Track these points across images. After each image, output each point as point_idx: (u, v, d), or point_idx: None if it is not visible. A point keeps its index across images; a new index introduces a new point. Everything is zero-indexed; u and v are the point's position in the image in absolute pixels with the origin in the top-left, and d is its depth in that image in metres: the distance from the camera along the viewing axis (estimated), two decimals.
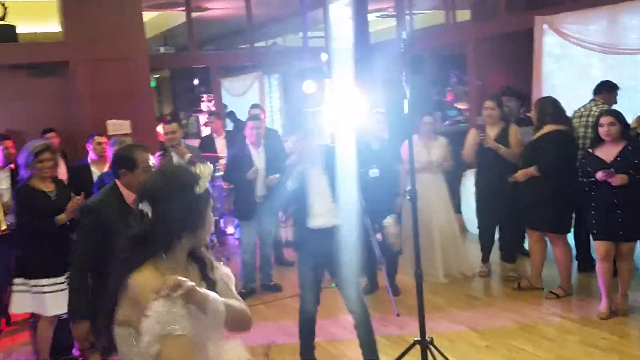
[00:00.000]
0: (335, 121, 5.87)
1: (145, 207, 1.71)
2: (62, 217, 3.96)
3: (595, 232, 4.54)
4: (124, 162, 2.97)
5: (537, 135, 4.97)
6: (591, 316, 4.55)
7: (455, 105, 11.19)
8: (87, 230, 2.93)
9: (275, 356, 4.35)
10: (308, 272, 3.94)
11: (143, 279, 1.66)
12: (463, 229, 6.72)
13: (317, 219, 3.86)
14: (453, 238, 5.74)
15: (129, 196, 2.87)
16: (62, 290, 3.96)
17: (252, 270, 5.78)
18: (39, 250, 3.98)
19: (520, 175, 4.96)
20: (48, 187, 4.05)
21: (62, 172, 6.32)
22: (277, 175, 5.04)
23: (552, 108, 4.94)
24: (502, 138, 5.30)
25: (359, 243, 5.21)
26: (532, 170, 4.88)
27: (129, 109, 6.98)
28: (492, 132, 5.35)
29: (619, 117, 4.44)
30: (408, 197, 3.20)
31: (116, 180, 3.01)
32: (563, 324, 4.48)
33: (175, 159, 5.52)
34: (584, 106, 5.47)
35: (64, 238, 4.08)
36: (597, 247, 4.54)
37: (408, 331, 4.52)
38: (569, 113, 5.81)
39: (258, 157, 5.58)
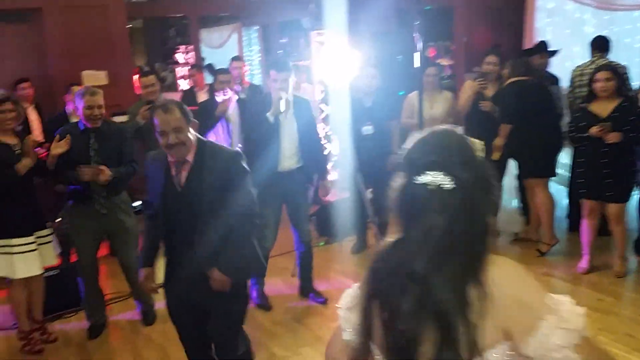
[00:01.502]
0: (326, 75, 5.70)
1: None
2: (24, 163, 3.69)
3: (581, 190, 4.51)
4: (151, 125, 2.78)
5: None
6: (584, 277, 4.56)
7: (438, 61, 11.01)
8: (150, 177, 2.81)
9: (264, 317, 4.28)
10: (273, 212, 4.18)
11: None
12: None
13: (285, 162, 4.14)
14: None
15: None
16: (31, 251, 3.79)
17: None
18: (5, 208, 3.72)
19: (498, 141, 4.87)
20: (11, 140, 3.79)
21: (36, 125, 6.05)
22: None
23: (523, 67, 4.86)
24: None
25: (351, 200, 5.16)
26: (502, 129, 4.82)
27: (105, 60, 6.63)
28: (490, 91, 5.19)
29: (616, 72, 4.35)
30: None
31: None
32: (556, 284, 4.47)
33: None
34: (584, 64, 5.34)
35: (31, 194, 3.88)
36: (583, 205, 4.53)
37: None
38: (561, 70, 5.72)
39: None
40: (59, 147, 3.83)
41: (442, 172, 1.28)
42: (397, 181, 1.35)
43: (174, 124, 2.53)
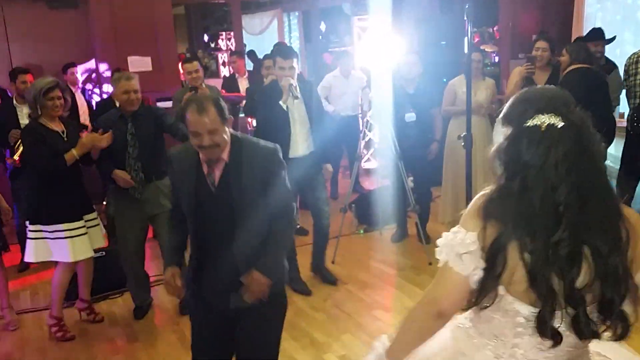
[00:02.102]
0: (368, 62, 5.65)
1: None
2: (72, 154, 3.74)
3: None
4: (182, 120, 2.55)
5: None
6: None
7: (481, 47, 10.80)
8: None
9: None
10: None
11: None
12: None
13: (299, 149, 4.21)
14: (488, 182, 5.56)
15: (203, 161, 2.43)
16: (82, 234, 3.87)
17: None
18: (55, 195, 3.79)
19: None
20: (58, 127, 3.84)
21: (83, 109, 6.20)
22: None
23: (584, 53, 4.67)
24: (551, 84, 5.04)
25: (392, 188, 5.12)
26: None
27: (150, 46, 6.74)
28: (540, 77, 5.05)
29: None
30: (462, 143, 3.00)
31: None
32: None
33: None
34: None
35: (79, 180, 3.93)
36: None
37: None
38: (612, 58, 5.52)
39: None
40: (102, 141, 3.86)
41: (551, 113, 1.37)
42: (501, 135, 1.46)
43: (209, 126, 2.26)
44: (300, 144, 4.24)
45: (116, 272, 4.53)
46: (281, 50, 4.34)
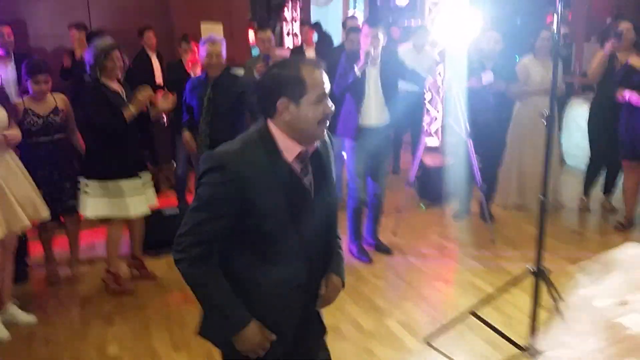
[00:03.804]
0: (442, 37, 5.59)
1: None
2: (132, 109, 3.75)
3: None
4: (286, 87, 1.72)
5: None
6: None
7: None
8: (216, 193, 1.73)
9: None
10: (363, 163, 4.30)
11: None
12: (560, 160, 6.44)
13: (373, 118, 4.24)
14: (554, 167, 5.49)
15: (286, 146, 1.76)
16: (137, 192, 3.94)
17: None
18: (115, 151, 3.84)
19: None
20: (118, 88, 3.91)
21: (158, 72, 6.40)
22: None
23: None
24: None
25: (459, 165, 5.12)
26: None
27: (222, 13, 6.86)
28: (623, 57, 4.92)
29: None
30: (545, 123, 2.98)
31: (268, 121, 1.79)
32: None
33: None
34: None
35: (136, 139, 3.98)
36: None
37: (505, 260, 4.47)
38: None
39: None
40: (166, 104, 3.97)
41: None
42: None
43: (328, 88, 1.78)
44: (374, 114, 4.24)
45: None
46: (369, 18, 4.43)
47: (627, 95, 4.67)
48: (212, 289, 1.79)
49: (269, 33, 5.41)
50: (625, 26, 4.94)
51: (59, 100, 4.09)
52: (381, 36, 4.14)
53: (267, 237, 1.76)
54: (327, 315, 2.08)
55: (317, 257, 1.88)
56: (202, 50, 4.06)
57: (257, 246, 1.78)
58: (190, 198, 5.13)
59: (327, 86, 1.76)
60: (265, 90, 1.76)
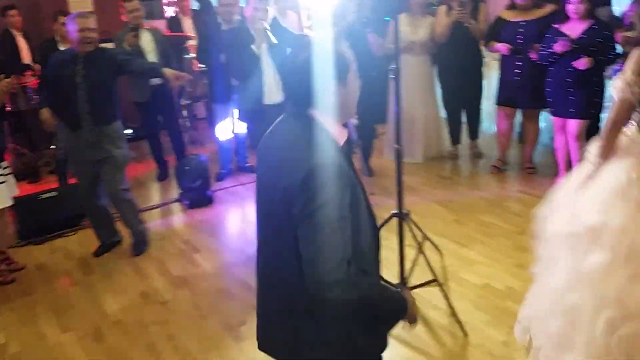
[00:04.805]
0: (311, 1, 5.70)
1: None
2: None
3: (550, 107, 4.79)
4: (339, 66, 1.58)
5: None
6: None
7: None
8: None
9: None
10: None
11: None
12: None
13: (274, 96, 4.09)
14: (434, 119, 5.85)
15: (336, 133, 1.62)
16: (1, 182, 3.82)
17: (228, 153, 5.86)
18: None
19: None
20: None
21: (25, 52, 6.11)
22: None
23: None
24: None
25: None
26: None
27: None
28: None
29: None
30: (392, 76, 3.20)
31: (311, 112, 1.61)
32: (527, 200, 4.76)
33: (146, 38, 5.32)
34: None
35: None
36: (554, 122, 4.80)
37: (383, 208, 4.74)
38: None
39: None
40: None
41: None
42: None
43: None
44: (276, 91, 4.14)
45: (67, 211, 4.67)
46: None
47: (497, 46, 5.02)
48: (377, 290, 1.68)
49: (135, 3, 5.34)
50: None
51: None
52: (270, 9, 4.09)
53: (360, 246, 1.61)
54: (216, 279, 2.20)
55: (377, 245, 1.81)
56: (73, 26, 3.90)
57: (358, 257, 1.58)
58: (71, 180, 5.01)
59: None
60: (304, 80, 1.57)
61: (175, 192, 5.39)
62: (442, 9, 5.45)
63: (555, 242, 2.57)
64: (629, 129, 2.51)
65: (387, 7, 5.96)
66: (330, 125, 1.60)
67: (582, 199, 2.50)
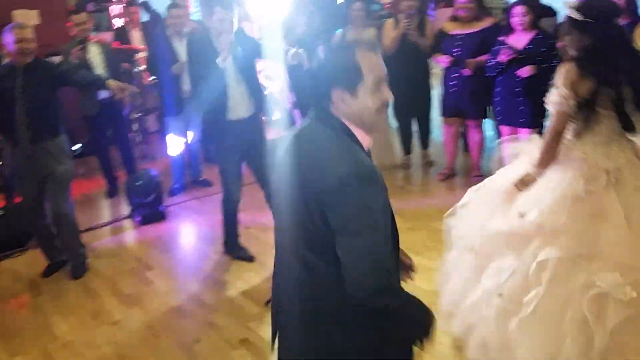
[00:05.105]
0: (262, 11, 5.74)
1: None
2: None
3: (498, 117, 4.93)
4: (341, 76, 1.61)
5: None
6: None
7: None
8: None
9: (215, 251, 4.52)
10: (231, 164, 4.02)
11: None
12: None
13: (239, 111, 3.93)
14: (385, 130, 5.91)
15: (361, 137, 1.67)
16: None
17: (181, 166, 5.79)
18: None
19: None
20: None
21: None
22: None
23: None
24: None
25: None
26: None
27: None
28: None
29: (531, 6, 4.64)
30: None
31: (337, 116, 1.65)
32: None
33: (94, 51, 5.23)
34: None
35: None
36: (501, 131, 4.93)
37: None
38: None
39: (182, 50, 5.35)
40: None
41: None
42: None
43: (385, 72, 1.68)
44: (240, 106, 3.94)
45: (16, 231, 4.52)
46: (221, 0, 3.88)
47: (439, 58, 5.15)
48: (414, 300, 1.73)
49: (83, 15, 5.29)
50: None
51: None
52: (234, 20, 3.93)
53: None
54: (169, 297, 2.17)
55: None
56: (10, 37, 3.78)
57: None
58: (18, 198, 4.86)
59: (385, 70, 1.64)
60: (317, 82, 1.64)
61: (126, 208, 5.28)
62: (390, 21, 5.55)
63: (492, 240, 2.68)
64: (565, 138, 2.63)
65: (335, 20, 6.07)
66: (354, 130, 1.63)
67: (522, 200, 2.62)
